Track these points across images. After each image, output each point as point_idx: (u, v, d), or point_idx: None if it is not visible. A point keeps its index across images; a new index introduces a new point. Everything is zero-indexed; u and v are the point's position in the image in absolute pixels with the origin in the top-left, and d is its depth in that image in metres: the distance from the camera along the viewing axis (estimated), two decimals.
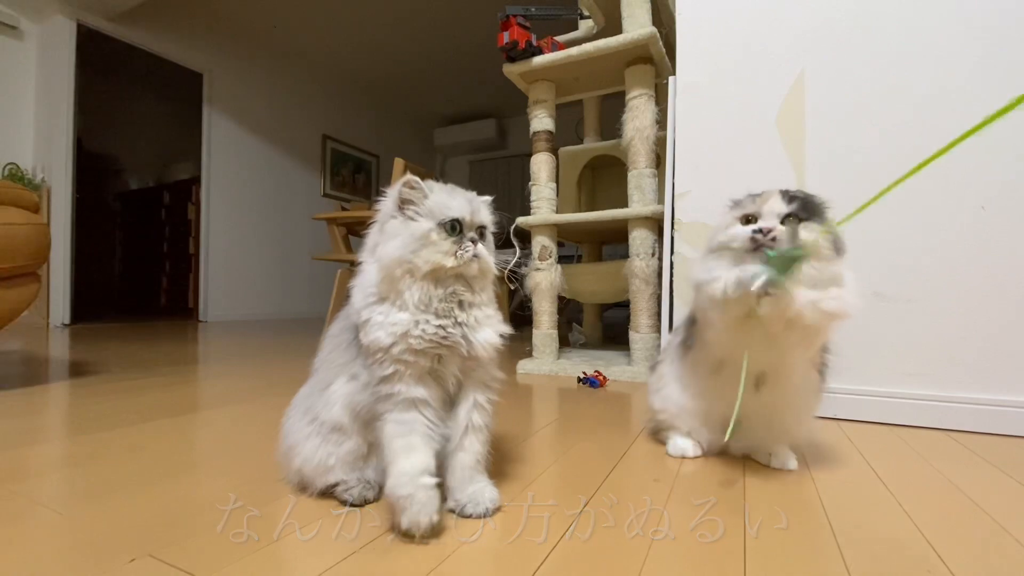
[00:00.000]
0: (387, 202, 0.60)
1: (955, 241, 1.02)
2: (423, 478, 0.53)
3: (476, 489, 0.59)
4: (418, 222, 0.57)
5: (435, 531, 0.54)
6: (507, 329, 0.62)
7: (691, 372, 0.81)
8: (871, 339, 1.08)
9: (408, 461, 0.54)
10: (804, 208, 0.65)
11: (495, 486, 0.61)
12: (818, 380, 0.74)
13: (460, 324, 0.58)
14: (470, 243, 0.57)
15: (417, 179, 0.58)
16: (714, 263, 0.70)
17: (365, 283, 0.59)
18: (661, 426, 0.87)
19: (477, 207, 0.60)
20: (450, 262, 0.56)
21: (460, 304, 0.59)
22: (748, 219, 0.68)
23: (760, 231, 0.65)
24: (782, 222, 0.65)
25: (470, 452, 0.59)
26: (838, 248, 0.66)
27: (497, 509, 0.59)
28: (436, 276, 0.57)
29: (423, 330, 0.56)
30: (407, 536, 0.53)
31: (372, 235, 0.61)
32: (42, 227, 1.35)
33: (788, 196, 0.66)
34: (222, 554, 0.49)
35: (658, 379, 0.87)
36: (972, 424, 0.99)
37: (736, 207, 0.72)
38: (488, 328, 0.60)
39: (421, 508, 0.52)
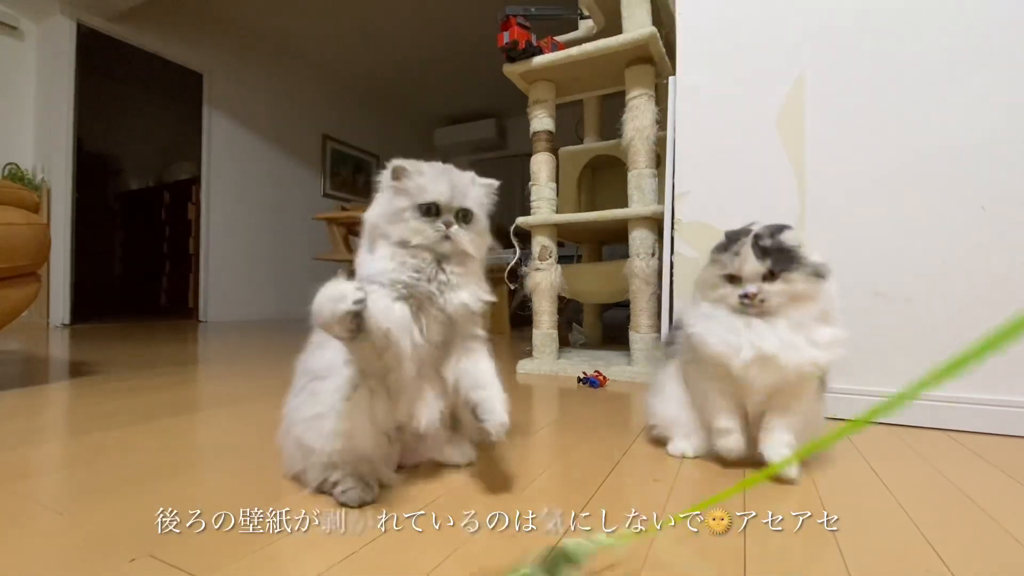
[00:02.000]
0: (385, 174, 0.66)
1: (955, 241, 1.02)
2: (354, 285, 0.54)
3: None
4: (396, 198, 0.63)
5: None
6: (488, 296, 0.68)
7: (680, 383, 0.82)
8: (871, 339, 1.08)
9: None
10: (778, 261, 0.67)
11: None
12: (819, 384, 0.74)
13: (437, 281, 0.63)
14: (442, 225, 0.62)
15: (405, 164, 0.64)
16: (708, 313, 0.73)
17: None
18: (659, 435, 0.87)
19: (463, 191, 0.65)
20: (417, 239, 0.62)
21: (436, 270, 0.64)
22: (732, 277, 0.70)
23: (747, 296, 0.68)
24: (764, 279, 0.68)
25: (471, 365, 0.65)
26: (820, 274, 0.67)
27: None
28: (405, 247, 0.63)
29: (399, 274, 0.62)
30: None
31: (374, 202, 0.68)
32: (42, 227, 1.35)
33: (760, 250, 0.68)
34: (222, 554, 0.49)
35: (653, 387, 0.88)
36: (972, 424, 0.99)
37: (717, 264, 0.73)
38: (464, 290, 0.65)
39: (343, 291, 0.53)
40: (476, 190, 0.67)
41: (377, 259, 0.63)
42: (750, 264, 0.68)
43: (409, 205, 0.62)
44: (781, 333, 0.66)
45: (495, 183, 0.70)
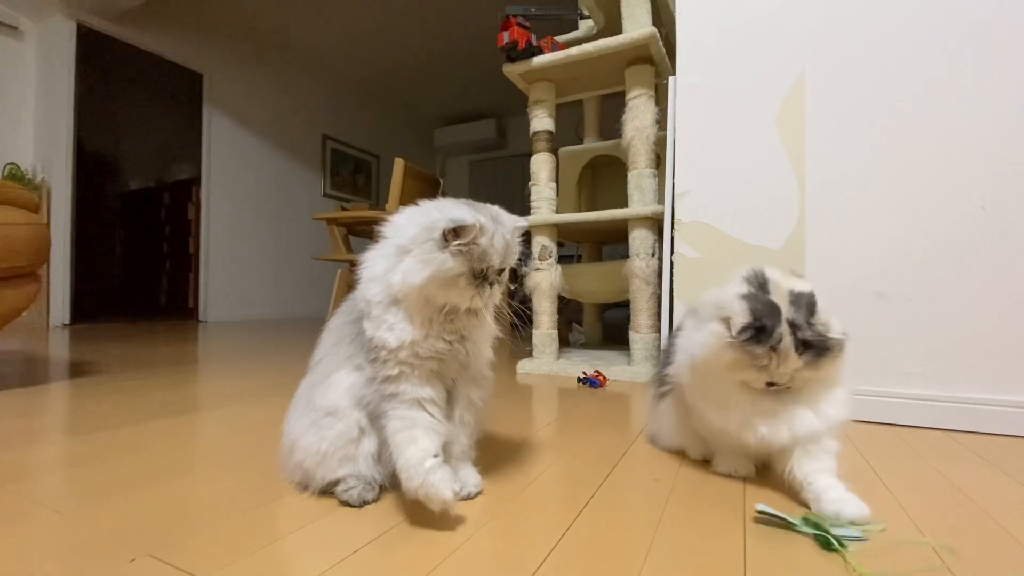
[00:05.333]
0: (434, 221, 0.57)
1: (955, 241, 1.02)
2: (427, 462, 0.55)
3: (461, 475, 0.64)
4: (454, 262, 0.56)
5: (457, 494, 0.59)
6: (496, 333, 0.68)
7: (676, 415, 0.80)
8: (871, 339, 1.08)
9: (410, 451, 0.56)
10: (816, 355, 0.60)
11: (479, 473, 0.67)
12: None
13: (464, 338, 0.62)
14: (488, 286, 0.59)
15: (472, 223, 0.55)
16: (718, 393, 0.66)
17: (385, 277, 0.59)
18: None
19: (512, 251, 0.61)
20: (465, 304, 0.59)
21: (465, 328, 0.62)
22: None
23: (773, 384, 0.62)
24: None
25: (458, 444, 0.65)
26: (842, 349, 0.61)
27: (479, 493, 0.65)
28: (455, 312, 0.60)
29: (432, 343, 0.59)
30: (444, 514, 0.57)
31: (408, 231, 0.59)
32: (42, 227, 1.35)
33: (801, 345, 0.59)
34: (222, 554, 0.49)
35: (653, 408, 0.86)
36: (972, 424, 0.99)
37: (746, 354, 0.60)
38: (485, 343, 0.65)
39: (438, 489, 0.54)
40: (517, 243, 0.62)
41: (407, 322, 0.58)
42: (791, 363, 0.59)
43: (467, 270, 0.56)
44: (792, 415, 0.63)
45: (525, 225, 0.64)
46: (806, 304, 0.60)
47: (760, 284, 0.63)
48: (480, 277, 0.58)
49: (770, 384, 0.62)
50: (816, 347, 0.59)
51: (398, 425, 0.57)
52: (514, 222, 0.62)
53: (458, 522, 0.57)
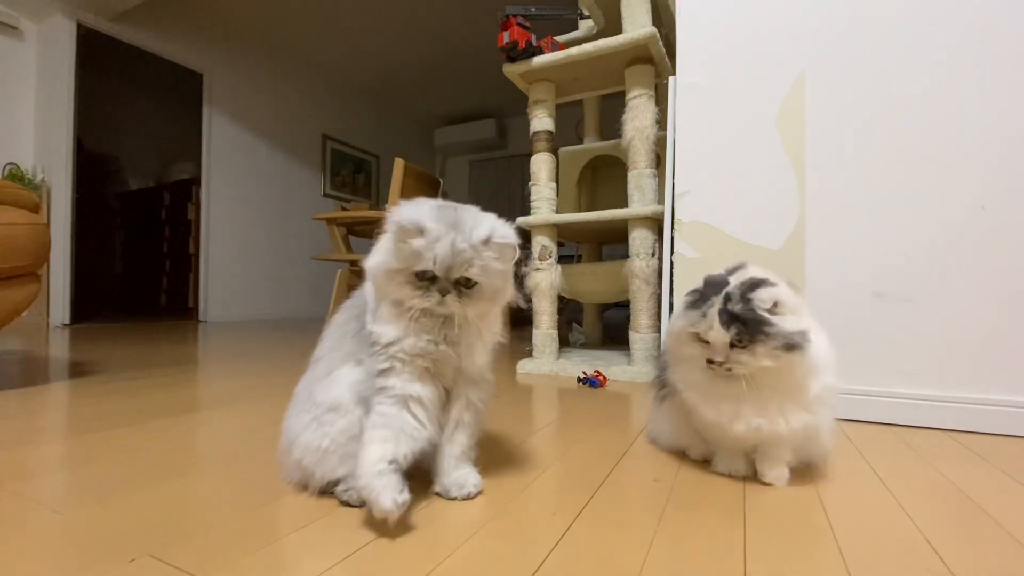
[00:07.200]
0: (392, 219, 0.57)
1: (955, 241, 1.02)
2: (378, 465, 0.54)
3: (461, 475, 0.64)
4: (391, 256, 0.57)
5: (407, 508, 0.54)
6: (499, 337, 0.66)
7: (673, 415, 0.81)
8: (871, 339, 1.08)
9: (369, 450, 0.55)
10: (744, 331, 0.61)
11: (479, 473, 0.66)
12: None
13: (453, 343, 0.61)
14: (436, 293, 0.57)
15: (408, 225, 0.55)
16: (691, 375, 0.70)
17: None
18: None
19: (466, 259, 0.56)
20: (410, 303, 0.58)
21: (444, 332, 0.60)
22: (699, 335, 0.65)
23: (712, 362, 0.64)
24: (732, 345, 0.62)
25: (457, 444, 0.64)
26: (791, 346, 0.61)
27: (479, 493, 0.64)
28: (400, 307, 0.59)
29: (414, 342, 0.59)
30: (383, 522, 0.54)
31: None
32: (42, 227, 1.35)
33: (728, 316, 0.62)
34: (222, 554, 0.49)
35: (653, 411, 0.87)
36: (972, 424, 0.99)
37: (686, 318, 0.66)
38: (479, 352, 0.63)
39: (378, 494, 0.52)
40: (487, 254, 0.57)
41: (389, 318, 0.59)
42: (716, 331, 0.62)
43: (403, 268, 0.57)
44: (760, 406, 0.64)
45: (513, 242, 0.58)
46: (750, 284, 0.63)
47: (730, 271, 0.68)
48: (425, 279, 0.57)
49: (710, 362, 0.64)
50: (744, 322, 0.61)
51: (375, 421, 0.57)
52: (491, 231, 0.58)
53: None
